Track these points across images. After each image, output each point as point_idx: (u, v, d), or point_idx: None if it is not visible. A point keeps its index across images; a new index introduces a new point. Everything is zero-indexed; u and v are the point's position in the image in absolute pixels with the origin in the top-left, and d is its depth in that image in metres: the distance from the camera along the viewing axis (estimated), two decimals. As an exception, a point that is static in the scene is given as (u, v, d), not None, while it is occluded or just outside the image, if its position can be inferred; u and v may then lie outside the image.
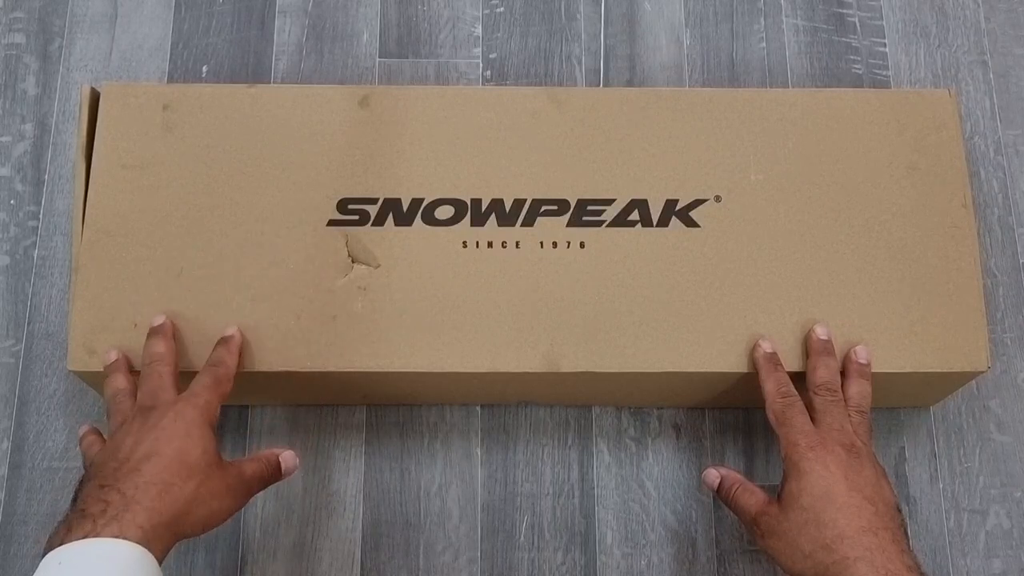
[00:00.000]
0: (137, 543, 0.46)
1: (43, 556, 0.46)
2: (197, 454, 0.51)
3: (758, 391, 0.58)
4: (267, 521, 0.65)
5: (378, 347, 0.58)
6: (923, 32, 0.78)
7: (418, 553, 0.65)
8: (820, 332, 0.58)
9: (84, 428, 0.57)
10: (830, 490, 0.53)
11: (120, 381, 0.56)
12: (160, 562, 0.47)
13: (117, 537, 0.46)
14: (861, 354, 0.58)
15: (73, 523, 0.47)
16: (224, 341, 0.58)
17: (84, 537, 0.45)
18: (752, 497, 0.56)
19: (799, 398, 0.57)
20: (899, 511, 0.54)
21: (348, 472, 0.66)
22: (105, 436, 0.56)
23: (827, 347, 0.58)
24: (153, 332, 0.58)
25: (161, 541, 0.48)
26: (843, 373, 0.58)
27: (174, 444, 0.51)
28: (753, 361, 0.59)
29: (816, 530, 0.52)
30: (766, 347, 0.58)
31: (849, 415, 0.56)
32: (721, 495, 0.59)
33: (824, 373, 0.57)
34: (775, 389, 0.57)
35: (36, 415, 0.67)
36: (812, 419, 0.56)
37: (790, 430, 0.55)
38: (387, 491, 0.66)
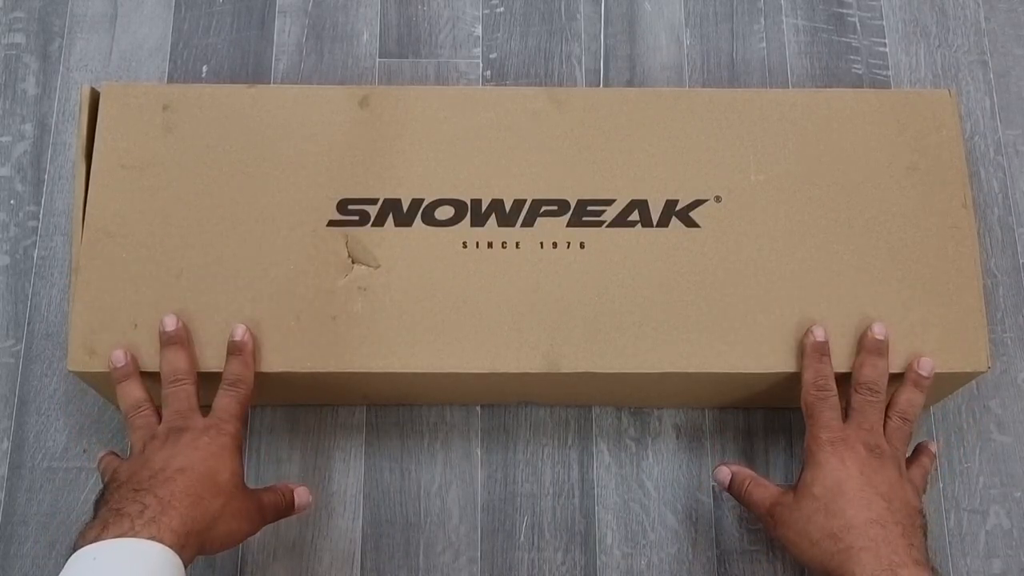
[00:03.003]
0: (171, 546, 0.47)
1: (73, 550, 0.46)
2: (226, 476, 0.53)
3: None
4: (267, 521, 0.65)
5: (378, 347, 0.58)
6: (923, 32, 0.78)
7: (418, 553, 0.65)
8: (877, 331, 0.58)
9: (103, 452, 0.58)
10: (842, 482, 0.53)
11: (136, 390, 0.57)
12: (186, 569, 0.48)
13: (154, 538, 0.47)
14: (925, 365, 0.58)
15: (110, 521, 0.47)
16: (238, 351, 0.57)
17: (122, 535, 0.46)
18: (765, 491, 0.57)
19: (834, 393, 0.57)
20: (921, 514, 0.55)
21: (348, 472, 0.66)
22: (123, 449, 0.57)
23: (880, 347, 0.58)
24: (170, 341, 0.57)
25: (190, 549, 0.49)
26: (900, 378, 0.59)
27: (207, 463, 0.52)
28: (801, 346, 0.58)
29: (825, 519, 0.53)
30: (818, 335, 0.58)
31: (890, 418, 0.57)
32: (733, 491, 0.60)
33: (870, 372, 0.57)
34: (812, 380, 0.57)
35: (36, 415, 0.67)
36: (846, 415, 0.57)
37: (815, 423, 0.56)
38: (387, 491, 0.66)
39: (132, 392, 0.57)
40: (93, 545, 0.46)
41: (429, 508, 0.65)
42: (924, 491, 0.58)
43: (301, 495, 0.58)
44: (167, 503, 0.49)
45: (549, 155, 0.62)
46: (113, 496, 0.50)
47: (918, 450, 0.61)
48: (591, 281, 0.60)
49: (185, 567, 0.48)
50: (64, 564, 0.46)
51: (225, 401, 0.56)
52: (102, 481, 0.56)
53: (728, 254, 0.61)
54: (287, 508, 0.58)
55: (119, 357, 0.57)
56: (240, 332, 0.58)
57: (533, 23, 0.77)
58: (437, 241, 0.60)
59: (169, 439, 0.54)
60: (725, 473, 0.60)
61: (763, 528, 0.63)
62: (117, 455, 0.58)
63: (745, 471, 0.59)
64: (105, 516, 0.48)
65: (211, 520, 0.51)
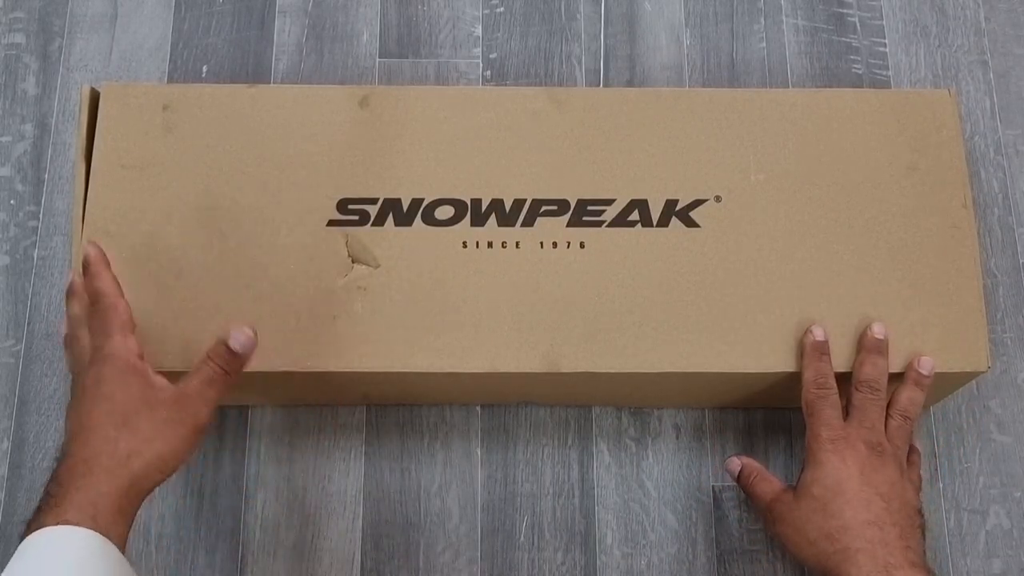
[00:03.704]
0: (77, 523, 0.45)
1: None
2: (120, 401, 0.50)
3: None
4: (267, 521, 0.65)
5: (378, 347, 0.58)
6: (923, 32, 0.78)
7: (418, 553, 0.65)
8: (876, 330, 0.58)
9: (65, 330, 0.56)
10: (842, 482, 0.54)
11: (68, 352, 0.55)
12: (122, 532, 0.47)
13: (57, 523, 0.45)
14: (925, 364, 0.58)
15: (30, 521, 0.47)
16: (85, 267, 0.56)
17: (28, 533, 0.46)
18: (768, 485, 0.58)
19: (835, 391, 0.57)
20: (920, 515, 0.55)
21: (348, 472, 0.66)
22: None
23: (879, 346, 0.58)
24: (71, 291, 0.56)
25: (109, 510, 0.47)
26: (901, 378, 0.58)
27: (89, 411, 0.50)
28: (800, 346, 0.58)
29: (823, 519, 0.53)
30: (817, 335, 0.58)
31: (891, 416, 0.57)
32: (741, 482, 0.61)
33: (870, 370, 0.57)
34: (813, 379, 0.57)
35: (36, 415, 0.67)
36: (846, 414, 0.57)
37: (816, 421, 0.56)
38: (387, 491, 0.66)
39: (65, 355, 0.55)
40: (19, 548, 0.45)
41: (429, 508, 0.65)
42: (920, 488, 0.59)
43: (237, 337, 0.54)
44: (64, 483, 0.47)
45: (549, 155, 0.62)
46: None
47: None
48: (591, 281, 0.60)
49: (126, 520, 0.47)
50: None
51: (94, 323, 0.53)
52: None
53: (728, 254, 0.61)
54: (226, 367, 0.53)
55: (61, 329, 0.56)
56: (86, 249, 0.57)
57: (533, 23, 0.77)
58: (437, 241, 0.60)
59: (70, 394, 0.52)
60: (736, 464, 0.61)
61: (762, 523, 0.64)
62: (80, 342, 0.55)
63: (754, 464, 0.60)
64: (29, 519, 0.47)
65: (119, 466, 0.48)
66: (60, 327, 0.58)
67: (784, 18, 0.78)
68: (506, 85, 0.75)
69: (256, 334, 0.56)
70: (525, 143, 0.63)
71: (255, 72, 0.75)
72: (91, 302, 0.55)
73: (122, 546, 0.47)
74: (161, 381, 0.52)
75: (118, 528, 0.47)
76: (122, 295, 0.56)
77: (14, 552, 0.45)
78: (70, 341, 0.55)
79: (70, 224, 0.68)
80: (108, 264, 0.57)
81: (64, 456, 0.49)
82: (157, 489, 0.51)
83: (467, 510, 0.65)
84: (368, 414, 0.67)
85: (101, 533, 0.46)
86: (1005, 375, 0.69)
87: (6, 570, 0.44)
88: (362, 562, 0.64)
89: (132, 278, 0.59)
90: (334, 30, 0.77)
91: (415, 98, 0.64)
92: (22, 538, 0.46)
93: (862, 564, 0.51)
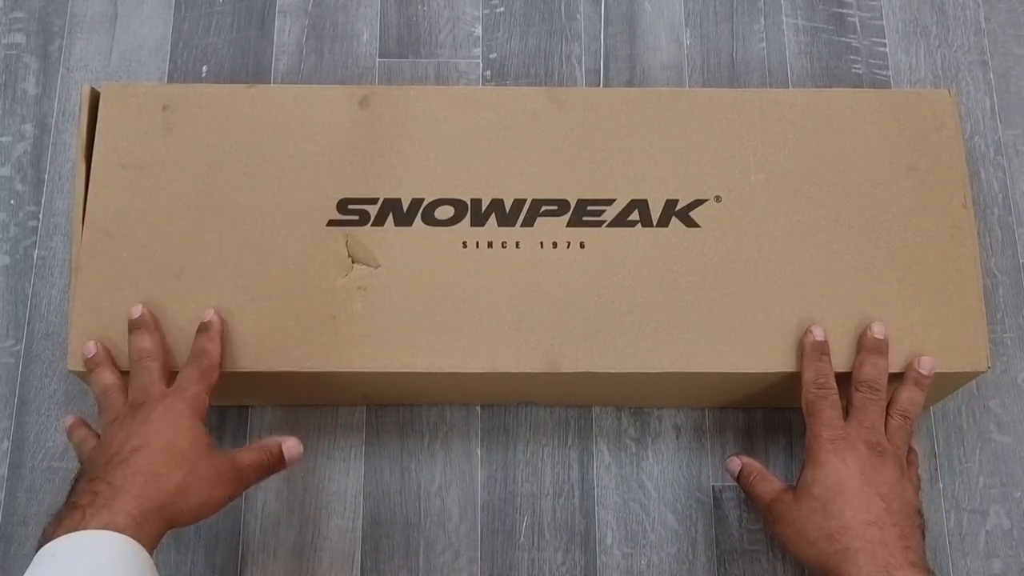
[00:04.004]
0: (124, 530, 0.46)
1: (37, 550, 0.46)
2: (186, 445, 0.52)
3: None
4: (267, 521, 0.65)
5: (378, 347, 0.58)
6: (923, 32, 0.78)
7: (418, 553, 0.65)
8: (876, 330, 0.58)
9: (70, 420, 0.58)
10: (842, 482, 0.53)
11: (107, 376, 0.57)
12: (152, 548, 0.48)
13: (106, 525, 0.46)
14: (925, 364, 0.58)
15: (64, 516, 0.47)
16: (204, 328, 0.57)
17: (74, 529, 0.46)
18: (768, 485, 0.58)
19: (835, 391, 0.57)
20: (919, 515, 0.55)
21: (348, 472, 0.66)
22: (97, 430, 0.56)
23: (879, 346, 0.58)
24: (136, 326, 0.57)
25: (150, 527, 0.48)
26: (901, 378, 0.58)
27: (163, 436, 0.52)
28: (800, 346, 0.58)
29: (823, 519, 0.53)
30: (817, 335, 0.58)
31: (891, 416, 0.57)
32: (741, 482, 0.60)
33: (870, 370, 0.57)
34: (812, 379, 0.57)
35: (36, 415, 0.67)
36: (846, 414, 0.57)
37: (816, 421, 0.56)
38: (387, 491, 0.66)
39: (103, 378, 0.56)
40: (50, 544, 0.46)
41: (429, 508, 0.65)
42: (920, 488, 0.59)
43: (291, 447, 0.57)
44: (119, 488, 0.48)
45: (549, 155, 0.62)
46: (73, 490, 0.50)
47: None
48: (591, 281, 0.60)
49: (153, 544, 0.48)
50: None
51: (187, 371, 0.56)
52: (79, 460, 0.55)
53: (728, 254, 0.61)
54: (274, 464, 0.56)
55: (90, 348, 0.57)
56: (209, 313, 0.58)
57: (533, 23, 0.77)
58: (437, 241, 0.60)
59: (128, 417, 0.53)
60: (736, 464, 0.61)
61: (762, 522, 0.64)
62: (88, 427, 0.57)
63: (754, 464, 0.60)
64: (61, 512, 0.48)
65: (173, 494, 0.50)
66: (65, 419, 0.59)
67: (784, 18, 0.78)
68: (506, 85, 0.75)
69: (304, 449, 0.58)
70: (525, 143, 0.63)
71: (255, 72, 0.75)
72: (195, 355, 0.56)
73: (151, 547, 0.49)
74: (214, 444, 0.54)
75: (151, 546, 0.48)
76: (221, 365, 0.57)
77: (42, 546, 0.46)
78: (137, 370, 0.56)
79: (70, 224, 0.68)
80: (223, 334, 0.58)
81: (118, 463, 0.50)
82: None
83: (467, 510, 0.65)
84: (368, 414, 0.67)
85: (132, 537, 0.47)
86: (1005, 375, 0.69)
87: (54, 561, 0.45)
88: (362, 562, 0.64)
89: (132, 278, 0.59)
90: (334, 30, 0.77)
91: (415, 98, 0.64)
92: (51, 531, 0.47)
93: (862, 564, 0.51)
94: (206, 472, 0.52)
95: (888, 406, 0.58)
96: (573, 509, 0.66)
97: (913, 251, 0.61)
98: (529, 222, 0.61)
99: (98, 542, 0.46)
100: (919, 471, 0.61)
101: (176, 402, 0.53)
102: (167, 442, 0.51)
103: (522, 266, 0.60)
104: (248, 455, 0.55)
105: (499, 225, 0.61)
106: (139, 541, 0.47)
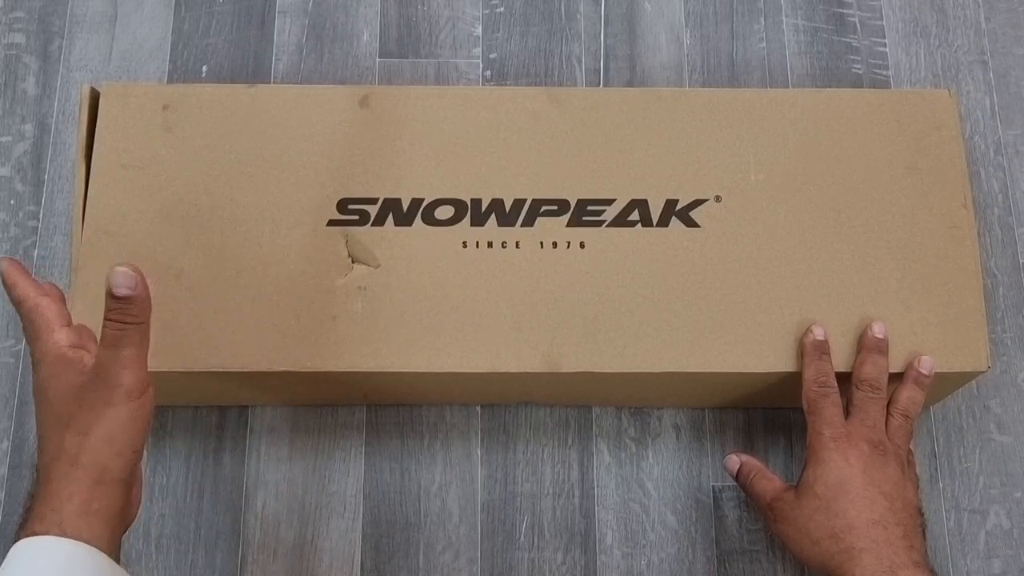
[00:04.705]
0: (44, 533, 0.44)
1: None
2: (55, 391, 0.48)
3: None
4: (267, 521, 0.65)
5: (378, 347, 0.58)
6: (923, 32, 0.78)
7: (418, 553, 0.65)
8: (876, 330, 0.58)
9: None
10: (845, 481, 0.53)
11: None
12: (104, 527, 0.46)
13: (21, 538, 0.45)
14: (926, 364, 0.58)
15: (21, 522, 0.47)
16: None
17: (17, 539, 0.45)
18: (769, 483, 0.58)
19: (836, 390, 0.57)
20: (920, 514, 0.55)
21: (348, 472, 0.66)
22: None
23: (879, 345, 0.58)
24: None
25: (75, 516, 0.45)
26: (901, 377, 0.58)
27: (38, 419, 0.48)
28: (800, 346, 0.58)
29: (826, 518, 0.53)
30: (817, 334, 0.58)
31: (891, 415, 0.57)
32: (740, 481, 0.60)
33: (871, 369, 0.57)
34: (813, 377, 0.57)
35: (36, 415, 0.67)
36: (847, 413, 0.57)
37: (817, 419, 0.56)
38: (387, 491, 0.66)
39: None
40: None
41: (429, 508, 0.65)
42: (919, 487, 0.59)
43: (116, 282, 0.47)
44: (33, 495, 0.47)
45: (549, 155, 0.62)
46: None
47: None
48: (591, 281, 0.60)
49: (102, 518, 0.46)
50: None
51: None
52: None
53: (728, 254, 0.61)
54: (125, 317, 0.47)
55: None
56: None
57: (533, 23, 0.77)
58: (437, 241, 0.60)
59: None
60: (735, 462, 0.60)
61: (763, 521, 0.64)
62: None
63: (754, 462, 0.60)
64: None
65: (72, 466, 0.46)
66: None
67: (784, 18, 0.78)
68: (506, 85, 0.75)
69: (135, 269, 0.48)
70: (525, 143, 0.63)
71: (255, 72, 0.75)
72: (17, 313, 0.51)
73: (105, 546, 0.45)
74: (88, 361, 0.48)
75: (93, 529, 0.45)
76: (45, 293, 0.50)
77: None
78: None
79: (70, 224, 0.68)
80: (24, 270, 0.52)
81: (35, 471, 0.49)
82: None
83: (467, 510, 0.65)
84: (368, 414, 0.67)
85: (71, 538, 0.44)
86: (1005, 375, 0.69)
87: None
88: (362, 562, 0.64)
89: (132, 278, 0.59)
90: (334, 30, 0.77)
91: (415, 98, 0.64)
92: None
93: (867, 564, 0.51)
94: (82, 414, 0.47)
95: (888, 405, 0.58)
96: (573, 509, 0.66)
97: (913, 251, 0.61)
98: (529, 222, 0.61)
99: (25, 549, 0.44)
100: (917, 471, 0.61)
101: (35, 373, 0.49)
102: (40, 425, 0.49)
103: (522, 266, 0.60)
104: (100, 347, 0.48)
105: (499, 225, 0.61)
106: (70, 537, 0.44)
